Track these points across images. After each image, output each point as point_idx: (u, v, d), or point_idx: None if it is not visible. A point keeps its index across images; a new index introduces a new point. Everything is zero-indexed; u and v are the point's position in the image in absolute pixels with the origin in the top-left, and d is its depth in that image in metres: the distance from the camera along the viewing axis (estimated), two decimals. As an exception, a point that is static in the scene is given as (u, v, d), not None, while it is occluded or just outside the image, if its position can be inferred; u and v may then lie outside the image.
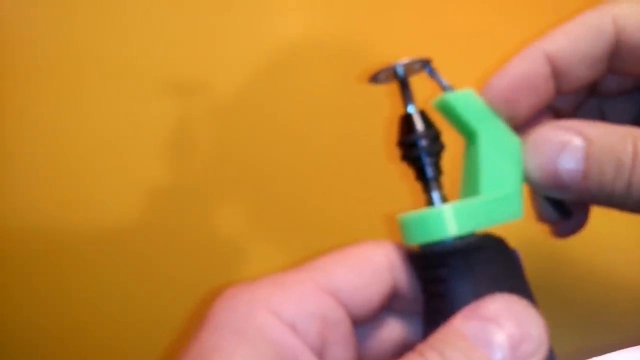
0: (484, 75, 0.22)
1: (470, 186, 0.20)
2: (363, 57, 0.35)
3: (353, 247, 0.19)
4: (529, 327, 0.16)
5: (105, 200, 0.33)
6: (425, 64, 0.20)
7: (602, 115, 0.24)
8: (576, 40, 0.21)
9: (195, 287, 0.32)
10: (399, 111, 0.20)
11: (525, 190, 0.20)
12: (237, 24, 0.35)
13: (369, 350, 0.20)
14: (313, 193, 0.35)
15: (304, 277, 0.18)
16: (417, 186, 0.20)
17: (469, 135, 0.20)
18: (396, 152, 0.20)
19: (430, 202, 0.19)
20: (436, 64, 0.20)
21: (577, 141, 0.18)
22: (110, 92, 0.34)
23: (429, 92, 0.20)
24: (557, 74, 0.21)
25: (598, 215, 0.24)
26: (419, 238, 0.19)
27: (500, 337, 0.16)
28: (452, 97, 0.20)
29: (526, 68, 0.21)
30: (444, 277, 0.18)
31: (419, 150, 0.19)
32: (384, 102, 0.30)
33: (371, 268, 0.19)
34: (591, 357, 0.30)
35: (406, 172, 0.20)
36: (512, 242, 0.19)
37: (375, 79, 0.20)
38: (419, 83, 0.20)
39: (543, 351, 0.16)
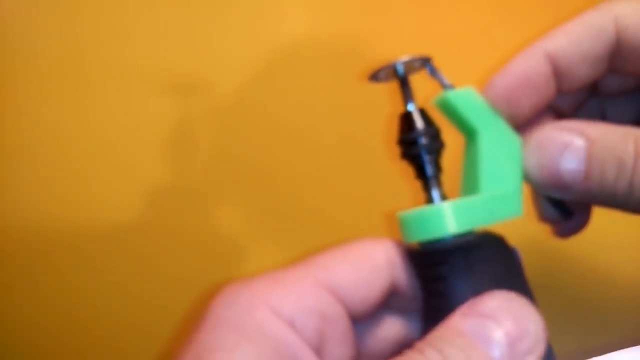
0: (485, 74, 0.22)
1: (470, 184, 0.20)
2: (363, 56, 0.36)
3: (352, 244, 0.19)
4: (527, 324, 0.16)
5: (105, 200, 0.33)
6: (425, 62, 0.20)
7: (603, 116, 0.25)
8: (577, 39, 0.21)
9: (195, 286, 0.32)
10: (399, 109, 0.20)
11: (526, 190, 0.20)
12: (237, 24, 0.35)
13: (368, 348, 0.20)
14: (313, 191, 0.35)
15: (303, 273, 0.18)
16: (417, 184, 0.20)
17: (469, 133, 0.20)
18: (396, 150, 0.20)
19: (430, 200, 0.19)
20: (437, 63, 0.20)
21: (579, 141, 0.19)
22: (110, 92, 0.34)
23: (429, 90, 0.21)
24: (558, 73, 0.21)
25: (598, 215, 0.24)
26: (419, 236, 0.19)
27: (499, 334, 0.16)
28: (452, 95, 0.20)
29: (527, 67, 0.21)
30: (443, 275, 0.18)
31: (419, 148, 0.19)
32: (384, 101, 0.30)
33: (370, 265, 0.19)
34: (591, 357, 0.30)
35: (406, 170, 0.20)
36: (512, 241, 0.19)
37: (375, 77, 0.20)
38: (419, 81, 0.21)
39: (541, 348, 0.17)
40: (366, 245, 0.19)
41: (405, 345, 0.19)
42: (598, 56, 0.21)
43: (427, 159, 0.19)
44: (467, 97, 0.20)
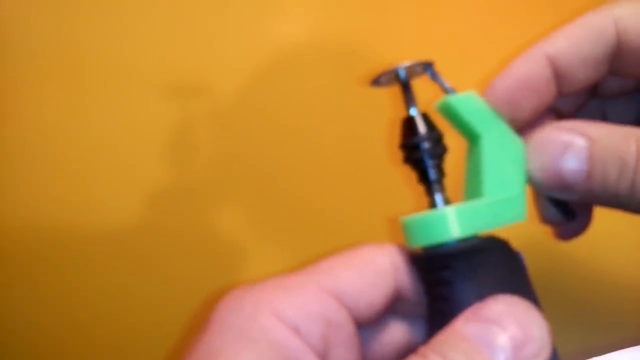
0: (486, 76, 0.22)
1: (473, 188, 0.20)
2: (365, 59, 0.36)
3: (356, 249, 0.20)
4: (531, 329, 0.17)
5: (106, 202, 0.33)
6: (427, 67, 0.20)
7: (603, 117, 0.25)
8: (577, 41, 0.21)
9: (197, 289, 0.33)
10: (401, 113, 0.20)
11: (528, 192, 0.20)
12: (237, 25, 0.35)
13: (372, 353, 0.20)
14: (315, 195, 0.35)
15: (308, 279, 0.18)
16: (420, 189, 0.20)
17: (471, 137, 0.21)
18: (399, 155, 0.20)
19: (433, 205, 0.20)
20: (438, 66, 0.21)
21: (580, 141, 0.19)
22: (110, 93, 0.34)
23: (431, 95, 0.21)
24: (558, 75, 0.21)
25: (597, 216, 0.25)
26: (422, 240, 0.19)
27: (503, 338, 0.16)
28: (454, 99, 0.20)
29: (528, 70, 0.21)
30: (447, 280, 0.18)
31: (422, 153, 0.19)
32: (386, 103, 0.31)
33: (374, 271, 0.19)
34: (591, 357, 0.30)
35: (409, 175, 0.20)
36: (512, 242, 0.20)
37: (377, 82, 0.20)
38: (421, 85, 0.21)
39: (546, 353, 0.17)
40: (370, 250, 0.20)
41: (409, 350, 0.20)
42: (598, 58, 0.21)
43: (429, 163, 0.19)
44: (469, 101, 0.20)
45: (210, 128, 0.35)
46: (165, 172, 0.34)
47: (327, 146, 0.36)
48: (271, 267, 0.34)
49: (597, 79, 0.22)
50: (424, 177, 0.20)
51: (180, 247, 0.34)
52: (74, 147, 0.33)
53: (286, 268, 0.19)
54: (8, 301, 0.32)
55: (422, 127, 0.20)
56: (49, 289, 0.33)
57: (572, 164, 0.19)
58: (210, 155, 0.35)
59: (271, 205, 0.35)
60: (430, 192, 0.20)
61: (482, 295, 0.18)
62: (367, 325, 0.20)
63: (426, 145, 0.19)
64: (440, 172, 0.20)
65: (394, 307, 0.20)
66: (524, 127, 0.22)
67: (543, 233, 0.26)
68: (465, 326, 0.17)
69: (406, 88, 0.20)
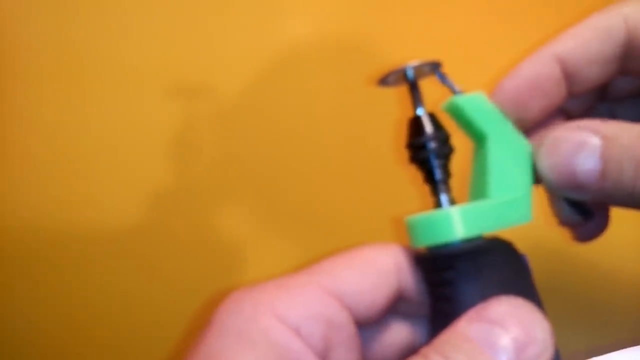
0: (494, 78, 0.22)
1: (479, 189, 0.20)
2: (368, 59, 0.36)
3: (358, 249, 0.20)
4: (534, 331, 0.17)
5: (107, 202, 0.34)
6: (435, 67, 0.20)
7: (613, 118, 0.25)
8: (587, 41, 0.21)
9: (198, 290, 0.33)
10: (408, 113, 0.20)
11: (539, 194, 0.20)
12: (241, 26, 0.35)
13: (374, 354, 0.20)
14: (319, 195, 0.35)
15: (309, 280, 0.18)
16: (426, 189, 0.20)
17: (478, 138, 0.21)
18: (405, 154, 0.20)
19: (438, 205, 0.20)
20: (445, 67, 0.21)
21: (594, 140, 0.18)
22: (112, 93, 0.34)
23: (439, 95, 0.21)
24: (568, 75, 0.22)
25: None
26: (427, 240, 0.19)
27: (505, 340, 0.16)
28: (461, 100, 0.20)
29: (536, 70, 0.21)
30: (451, 280, 0.18)
31: (428, 153, 0.20)
32: (392, 103, 0.31)
33: (377, 271, 0.19)
34: (591, 357, 0.30)
35: (415, 174, 0.20)
36: (511, 242, 0.20)
37: (384, 81, 0.20)
38: (429, 85, 0.21)
39: (548, 355, 0.17)
40: (373, 250, 0.20)
41: (411, 351, 0.20)
42: (608, 58, 0.21)
43: (436, 163, 0.20)
44: (476, 101, 0.20)
45: (212, 128, 0.35)
46: (166, 173, 0.34)
47: (330, 146, 0.36)
48: (274, 268, 0.34)
49: (607, 79, 0.22)
50: (429, 177, 0.20)
51: (182, 248, 0.34)
52: (75, 147, 0.34)
53: (289, 269, 0.19)
54: (8, 301, 0.33)
55: (429, 127, 0.20)
56: (49, 289, 0.33)
57: (585, 163, 0.18)
58: (212, 155, 0.35)
59: (274, 205, 0.35)
60: (435, 192, 0.20)
61: (485, 296, 0.18)
62: (368, 326, 0.20)
63: (433, 145, 0.20)
64: (446, 173, 0.20)
65: (396, 307, 0.20)
66: (532, 128, 0.22)
67: (541, 233, 0.26)
68: (468, 327, 0.17)
69: (414, 88, 0.20)
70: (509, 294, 0.18)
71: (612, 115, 0.25)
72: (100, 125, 0.34)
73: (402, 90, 0.21)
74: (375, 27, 0.36)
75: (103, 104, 0.34)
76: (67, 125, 0.34)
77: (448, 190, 0.20)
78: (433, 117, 0.20)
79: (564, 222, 0.24)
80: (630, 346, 0.31)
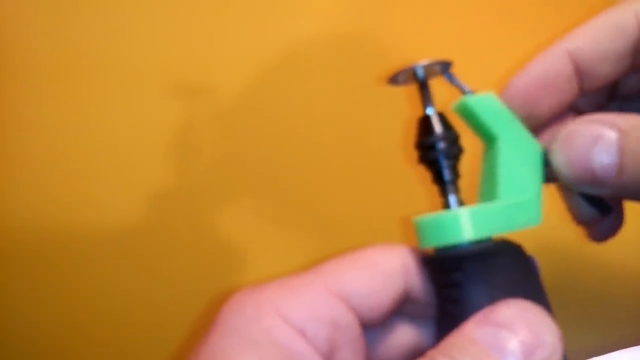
0: (500, 77, 0.22)
1: (488, 190, 0.20)
2: (372, 59, 0.36)
3: (365, 250, 0.20)
4: (542, 334, 0.17)
5: (107, 202, 0.34)
6: (445, 67, 0.20)
7: None
8: (599, 37, 0.21)
9: (200, 291, 0.33)
10: (418, 113, 0.20)
11: (549, 193, 0.20)
12: (241, 25, 0.35)
13: (379, 355, 0.20)
14: (324, 195, 0.35)
15: (314, 280, 0.18)
16: (434, 189, 0.20)
17: (488, 139, 0.21)
18: (413, 154, 0.20)
19: (446, 206, 0.20)
20: (454, 66, 0.21)
21: (610, 133, 0.18)
22: (112, 93, 0.34)
23: (449, 94, 0.21)
24: (579, 72, 0.22)
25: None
26: (435, 242, 0.19)
27: (513, 343, 0.16)
28: (472, 100, 0.20)
29: (548, 67, 0.21)
30: (458, 282, 0.19)
31: (437, 153, 0.20)
32: (395, 104, 0.31)
33: (383, 272, 0.19)
34: (591, 357, 0.31)
35: (423, 175, 0.20)
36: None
37: (394, 80, 0.20)
38: (439, 85, 0.21)
39: (557, 359, 0.17)
40: (379, 251, 0.20)
41: (417, 353, 0.20)
42: (620, 54, 0.21)
43: (445, 163, 0.20)
44: (487, 102, 0.20)
45: (213, 128, 0.35)
46: (167, 173, 0.34)
47: (333, 146, 0.36)
48: (277, 268, 0.34)
49: (618, 76, 0.22)
50: (438, 178, 0.20)
51: (183, 248, 0.34)
52: (75, 147, 0.34)
53: (293, 269, 0.19)
54: (8, 301, 0.33)
55: (438, 127, 0.20)
56: (49, 289, 0.33)
57: (602, 157, 0.18)
58: (213, 155, 0.35)
59: (277, 205, 0.35)
60: (444, 193, 0.20)
61: (493, 298, 0.18)
62: (373, 327, 0.20)
63: (442, 145, 0.20)
64: (455, 173, 0.20)
65: (402, 308, 0.20)
66: (544, 126, 0.22)
67: (542, 233, 0.26)
68: (475, 330, 0.17)
69: (423, 87, 0.20)
70: (518, 296, 0.18)
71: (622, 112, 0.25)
72: (100, 125, 0.34)
73: (412, 90, 0.21)
74: (377, 26, 0.36)
75: (103, 104, 0.34)
76: (67, 125, 0.34)
77: (457, 191, 0.20)
78: (443, 117, 0.20)
79: (580, 219, 0.24)
80: (630, 346, 0.31)
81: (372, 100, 0.35)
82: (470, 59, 0.28)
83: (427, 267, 0.20)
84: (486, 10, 0.37)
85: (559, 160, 0.19)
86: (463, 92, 0.21)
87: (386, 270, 0.19)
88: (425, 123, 0.20)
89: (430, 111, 0.20)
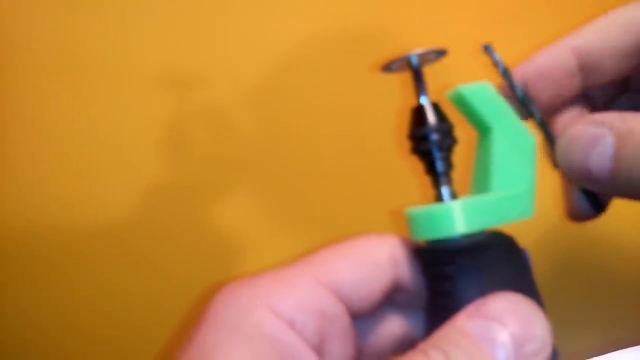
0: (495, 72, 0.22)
1: (481, 182, 0.21)
2: (367, 53, 0.36)
3: (354, 240, 0.20)
4: (533, 327, 0.17)
5: (103, 197, 0.34)
6: (439, 54, 0.20)
7: (636, 109, 0.25)
8: (607, 35, 0.21)
9: (194, 284, 0.33)
10: (411, 102, 0.20)
11: (547, 190, 0.21)
12: (236, 20, 0.36)
13: (369, 345, 0.21)
14: (317, 187, 0.36)
15: (303, 272, 0.19)
16: (427, 180, 0.20)
17: (482, 129, 0.21)
18: (406, 145, 0.20)
19: (439, 198, 0.20)
20: (451, 59, 0.21)
21: (608, 137, 0.19)
22: (107, 90, 0.34)
23: (443, 83, 0.21)
24: (585, 68, 0.22)
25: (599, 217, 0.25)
26: (427, 234, 0.19)
27: (504, 336, 0.17)
28: (466, 89, 0.20)
29: (548, 60, 0.22)
30: (450, 275, 0.19)
31: (430, 144, 0.20)
32: (389, 95, 0.31)
33: (372, 262, 0.19)
34: (591, 357, 0.31)
35: (416, 166, 0.20)
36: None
37: (388, 68, 0.20)
38: (433, 74, 0.21)
39: (547, 352, 0.17)
40: (368, 241, 0.20)
41: (407, 342, 0.20)
42: (628, 51, 0.21)
43: (438, 155, 0.20)
44: (481, 91, 0.20)
45: (207, 123, 0.35)
46: (162, 168, 0.35)
47: (328, 138, 0.36)
48: (271, 261, 0.34)
49: (626, 73, 0.22)
50: (431, 169, 0.20)
51: (179, 243, 0.34)
52: (71, 144, 0.34)
53: (287, 262, 0.20)
54: (8, 301, 0.33)
55: (432, 118, 0.20)
56: (47, 287, 0.33)
57: (599, 160, 0.19)
58: (208, 150, 0.35)
59: (271, 198, 0.35)
60: (437, 185, 0.20)
61: (485, 292, 0.18)
62: (363, 317, 0.20)
63: (435, 136, 0.19)
64: (448, 165, 0.20)
65: (392, 298, 0.20)
66: (552, 114, 0.22)
67: (542, 233, 0.26)
68: (466, 322, 0.17)
69: (418, 76, 0.20)
70: (509, 289, 0.18)
71: (634, 106, 0.25)
72: (96, 122, 0.34)
73: (403, 79, 0.21)
74: (373, 22, 0.36)
75: (99, 102, 0.34)
76: (63, 122, 0.34)
77: (450, 182, 0.20)
78: (437, 107, 0.20)
79: (575, 214, 0.24)
80: (630, 346, 0.31)
81: (364, 93, 0.35)
82: (468, 55, 0.28)
83: (419, 259, 0.20)
84: (484, 8, 0.37)
85: (561, 159, 0.21)
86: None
87: (375, 260, 0.19)
88: (418, 113, 0.20)
89: (424, 100, 0.20)
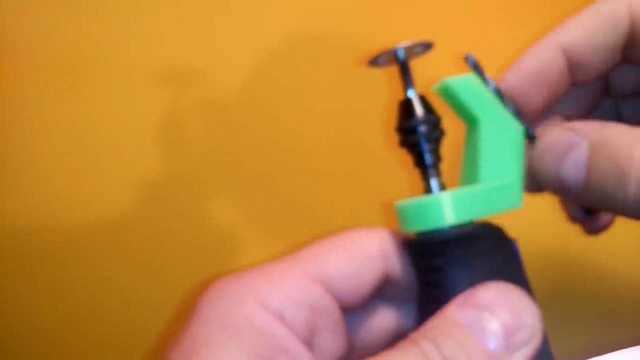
0: (495, 69, 0.22)
1: (469, 174, 0.21)
2: (360, 47, 0.36)
3: (344, 234, 0.20)
4: (523, 316, 0.17)
5: (101, 195, 0.34)
6: (426, 48, 0.20)
7: (618, 116, 0.25)
8: (592, 30, 0.21)
9: (189, 280, 0.33)
10: (399, 96, 0.20)
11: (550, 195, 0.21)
12: (232, 16, 0.36)
13: (360, 338, 0.21)
14: (308, 182, 0.36)
15: (293, 266, 0.19)
16: (416, 173, 0.21)
17: (470, 121, 0.21)
18: (395, 138, 0.21)
19: (428, 190, 0.20)
20: (442, 56, 0.21)
21: (581, 146, 0.19)
22: (106, 88, 0.35)
23: (430, 77, 0.21)
24: (572, 65, 0.22)
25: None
26: (416, 226, 0.19)
27: (494, 325, 0.17)
28: (453, 82, 0.21)
29: (541, 62, 0.22)
30: (440, 266, 0.19)
31: (418, 136, 0.20)
32: (380, 90, 0.31)
33: (362, 255, 0.19)
34: (591, 357, 0.31)
35: (405, 158, 0.21)
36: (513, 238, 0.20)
37: (375, 61, 0.20)
38: (420, 67, 0.21)
39: (537, 340, 0.17)
40: (358, 234, 0.20)
41: (398, 335, 0.20)
42: (612, 46, 0.21)
43: (426, 147, 0.20)
44: (468, 84, 0.21)
45: (203, 119, 0.35)
46: (158, 164, 0.35)
47: (320, 134, 0.36)
48: (264, 256, 0.34)
49: (609, 68, 0.22)
50: (419, 162, 0.20)
51: (174, 238, 0.35)
52: (68, 141, 0.34)
53: (279, 257, 0.20)
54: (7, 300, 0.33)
55: (419, 110, 0.20)
56: (43, 283, 0.34)
57: (571, 170, 0.19)
58: (203, 147, 0.35)
59: (264, 194, 0.36)
60: (425, 177, 0.20)
61: (475, 282, 0.18)
62: (354, 310, 0.20)
63: (423, 128, 0.20)
64: (437, 157, 0.20)
65: (383, 291, 0.21)
66: (533, 120, 0.22)
67: (542, 232, 0.26)
68: (457, 312, 0.17)
69: (404, 69, 0.20)
70: (499, 279, 0.18)
71: (618, 113, 0.25)
72: (93, 119, 0.35)
73: (393, 73, 0.21)
74: (366, 19, 0.37)
75: (98, 100, 0.35)
76: (61, 119, 0.34)
77: (438, 174, 0.20)
78: (424, 100, 0.20)
79: (572, 218, 0.24)
80: (630, 346, 0.31)
81: (354, 88, 0.36)
82: (459, 52, 0.28)
83: (409, 251, 0.20)
84: (476, 5, 0.37)
85: (536, 167, 0.20)
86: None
87: (365, 254, 0.20)
88: (406, 106, 0.20)
89: (411, 94, 0.20)
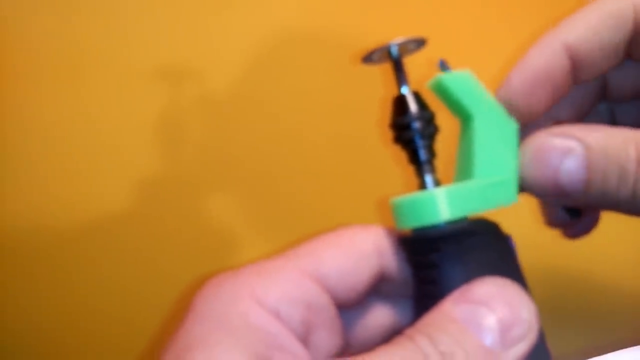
0: (494, 69, 0.22)
1: (464, 170, 0.21)
2: (356, 45, 0.36)
3: (339, 231, 0.20)
4: (519, 311, 0.17)
5: (100, 195, 0.35)
6: (420, 44, 0.21)
7: (612, 120, 0.25)
8: (597, 28, 0.21)
9: (187, 278, 0.34)
10: (393, 92, 0.21)
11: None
12: (229, 13, 0.36)
13: (356, 335, 0.21)
14: (304, 180, 0.36)
15: (288, 263, 0.19)
16: (411, 169, 0.21)
17: (464, 117, 0.21)
18: (389, 134, 0.21)
19: (423, 186, 0.20)
20: (437, 54, 0.21)
21: (578, 149, 0.19)
22: (104, 86, 0.35)
23: (424, 73, 0.22)
24: (576, 64, 0.22)
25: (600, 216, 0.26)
26: (411, 222, 0.20)
27: (491, 320, 0.17)
28: (447, 78, 0.21)
29: (546, 62, 0.22)
30: (435, 263, 0.19)
31: (413, 133, 0.20)
32: (376, 87, 0.31)
33: (357, 252, 0.20)
34: (591, 357, 0.31)
35: (399, 155, 0.21)
36: (513, 239, 0.20)
37: (368, 58, 0.20)
38: (414, 63, 0.21)
39: (533, 335, 0.17)
40: (353, 232, 0.20)
41: (395, 332, 0.20)
42: (616, 45, 0.21)
43: (420, 143, 0.20)
44: (462, 80, 0.21)
45: (201, 118, 0.36)
46: (156, 162, 0.35)
47: (316, 132, 0.36)
48: (261, 254, 0.35)
49: (612, 66, 0.22)
50: (414, 158, 0.20)
51: (171, 236, 0.35)
52: (66, 139, 0.35)
53: (275, 254, 0.20)
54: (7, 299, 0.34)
55: (413, 106, 0.20)
56: (42, 283, 0.34)
57: (570, 172, 0.19)
58: (201, 145, 0.36)
59: (260, 192, 0.36)
60: (420, 173, 0.20)
61: (470, 277, 0.18)
62: (350, 308, 0.20)
63: (417, 125, 0.20)
64: (431, 153, 0.20)
65: (379, 288, 0.21)
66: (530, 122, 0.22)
67: (542, 232, 0.26)
68: (453, 307, 0.17)
69: (398, 66, 0.20)
70: (495, 275, 0.18)
71: (612, 116, 0.25)
72: (91, 118, 0.35)
73: (387, 70, 0.21)
74: (363, 16, 0.37)
75: (96, 99, 0.35)
76: (62, 122, 0.35)
77: (433, 170, 0.20)
78: (418, 96, 0.20)
79: (552, 222, 0.24)
80: (629, 346, 0.32)
81: (349, 84, 0.36)
82: (457, 52, 0.28)
83: (404, 248, 0.20)
84: (474, 2, 0.38)
85: (527, 172, 0.20)
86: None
87: (360, 251, 0.20)
88: (400, 102, 0.20)
89: (405, 90, 0.20)
